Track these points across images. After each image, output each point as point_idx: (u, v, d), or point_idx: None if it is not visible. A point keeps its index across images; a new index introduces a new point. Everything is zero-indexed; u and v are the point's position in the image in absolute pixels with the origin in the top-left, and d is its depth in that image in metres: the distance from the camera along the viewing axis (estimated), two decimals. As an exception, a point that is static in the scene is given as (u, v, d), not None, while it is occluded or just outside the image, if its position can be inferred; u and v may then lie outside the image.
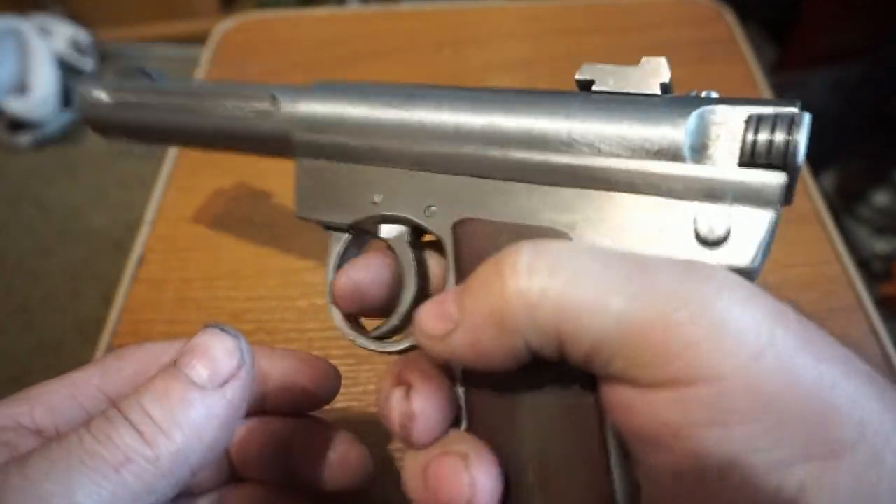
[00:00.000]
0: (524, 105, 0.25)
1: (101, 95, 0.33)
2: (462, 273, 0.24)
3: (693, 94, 0.24)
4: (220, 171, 0.46)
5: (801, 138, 0.21)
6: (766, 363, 0.17)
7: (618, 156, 0.23)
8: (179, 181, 0.46)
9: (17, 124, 1.55)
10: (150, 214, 0.44)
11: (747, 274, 0.20)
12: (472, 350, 0.20)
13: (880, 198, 1.20)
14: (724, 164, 0.22)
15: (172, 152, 0.48)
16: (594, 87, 0.25)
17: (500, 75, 0.52)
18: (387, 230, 0.27)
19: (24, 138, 1.56)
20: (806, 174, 0.44)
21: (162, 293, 0.39)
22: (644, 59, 0.24)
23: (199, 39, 0.61)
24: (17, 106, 1.52)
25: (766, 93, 0.49)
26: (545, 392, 0.21)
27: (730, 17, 0.56)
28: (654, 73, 0.24)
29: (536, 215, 0.24)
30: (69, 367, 0.26)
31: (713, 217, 0.21)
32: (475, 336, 0.19)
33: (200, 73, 0.53)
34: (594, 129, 0.23)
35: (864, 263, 1.19)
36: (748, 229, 0.21)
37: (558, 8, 0.57)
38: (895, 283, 1.12)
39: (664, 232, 0.22)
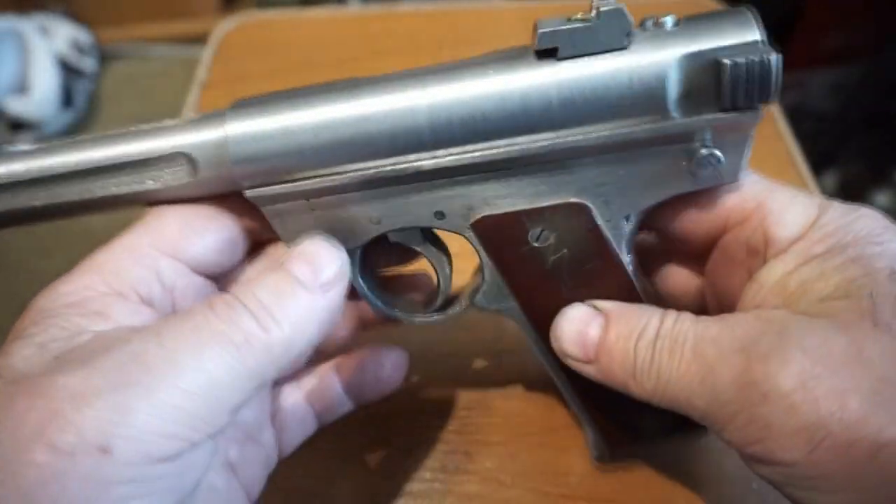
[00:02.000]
0: (500, 96, 0.24)
1: None
2: (502, 264, 0.26)
3: (649, 21, 0.24)
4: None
5: (775, 81, 0.24)
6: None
7: (598, 123, 0.24)
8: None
9: (17, 124, 1.55)
10: (150, 214, 0.44)
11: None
12: (599, 377, 0.25)
13: (881, 198, 1.20)
14: (705, 113, 0.23)
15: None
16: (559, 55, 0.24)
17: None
18: (395, 236, 0.27)
19: (24, 139, 1.56)
20: (807, 174, 0.44)
21: (162, 293, 0.39)
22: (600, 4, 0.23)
23: (199, 39, 0.61)
24: (18, 106, 1.52)
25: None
26: None
27: (730, 18, 0.56)
28: (618, 24, 0.23)
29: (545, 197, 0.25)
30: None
31: (699, 154, 0.23)
32: (606, 377, 0.24)
33: (201, 73, 0.53)
34: (577, 105, 0.24)
35: (864, 264, 1.19)
36: (732, 154, 0.24)
37: (558, 8, 0.57)
38: (895, 283, 1.12)
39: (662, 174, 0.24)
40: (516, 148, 0.24)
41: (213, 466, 0.24)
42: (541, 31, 0.23)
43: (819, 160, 1.22)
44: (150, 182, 0.25)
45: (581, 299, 0.26)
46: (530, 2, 0.58)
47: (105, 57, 1.79)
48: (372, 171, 0.24)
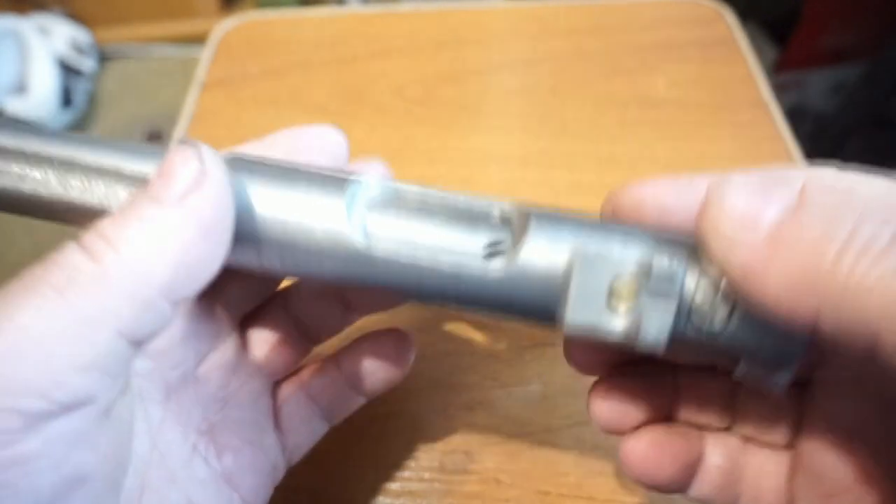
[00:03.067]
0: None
1: None
2: None
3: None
4: (220, 171, 0.46)
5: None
6: None
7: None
8: (179, 181, 0.46)
9: (16, 124, 1.54)
10: (149, 214, 0.44)
11: None
12: (754, 273, 0.16)
13: (880, 198, 1.20)
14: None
15: (172, 152, 0.48)
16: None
17: (500, 75, 0.52)
18: None
19: (23, 138, 1.56)
20: (806, 174, 0.44)
21: (162, 293, 0.39)
22: None
23: (199, 39, 0.61)
24: (17, 106, 1.51)
25: (767, 93, 0.49)
26: None
27: (730, 18, 0.56)
28: None
29: None
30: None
31: None
32: (778, 267, 0.15)
33: (201, 73, 0.53)
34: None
35: (864, 264, 1.19)
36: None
37: (558, 8, 0.57)
38: (895, 283, 1.12)
39: None
40: None
41: (201, 480, 0.22)
42: None
43: (819, 160, 1.22)
44: (123, 195, 0.21)
45: None
46: (530, 2, 0.58)
47: (104, 57, 1.79)
48: None
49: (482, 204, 0.20)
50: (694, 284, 0.18)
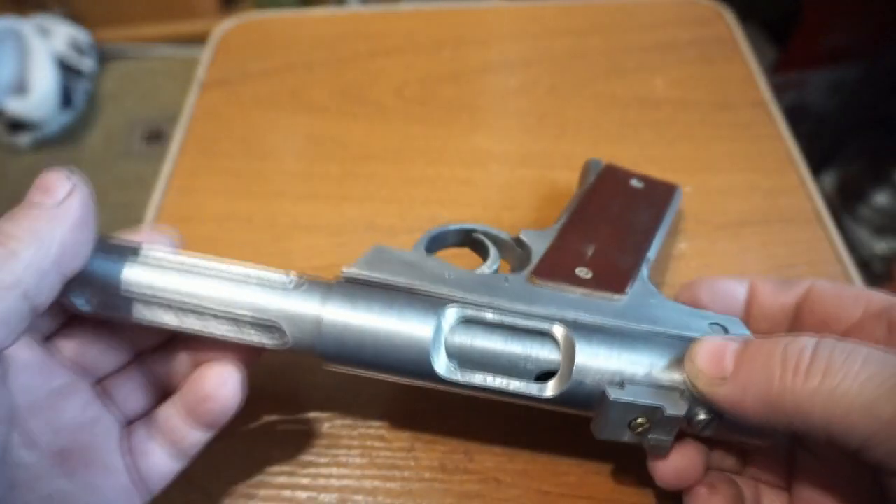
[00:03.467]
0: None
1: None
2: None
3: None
4: (220, 171, 0.46)
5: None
6: None
7: None
8: (179, 181, 0.46)
9: (16, 125, 1.54)
10: (150, 214, 0.44)
11: None
12: (732, 406, 0.23)
13: (880, 198, 1.20)
14: None
15: (172, 152, 0.48)
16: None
17: (500, 75, 0.52)
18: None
19: (23, 139, 1.56)
20: (806, 174, 0.44)
21: (162, 293, 0.39)
22: None
23: (200, 40, 0.61)
24: (17, 106, 1.51)
25: (767, 93, 0.49)
26: None
27: (730, 18, 0.56)
28: None
29: None
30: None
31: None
32: (740, 398, 0.23)
33: (201, 73, 0.53)
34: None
35: (864, 264, 1.19)
36: None
37: (558, 8, 0.58)
38: None
39: None
40: None
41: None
42: None
43: (818, 160, 1.22)
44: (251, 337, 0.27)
45: None
46: (530, 2, 0.58)
47: (104, 57, 1.79)
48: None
49: (539, 326, 0.27)
50: (694, 410, 0.25)
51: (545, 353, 0.26)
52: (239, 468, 0.32)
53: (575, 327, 0.26)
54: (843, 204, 1.23)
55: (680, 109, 0.49)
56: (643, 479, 0.31)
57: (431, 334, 0.26)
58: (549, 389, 0.26)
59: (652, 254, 0.32)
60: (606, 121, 0.48)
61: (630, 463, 0.32)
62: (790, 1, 1.20)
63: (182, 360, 0.29)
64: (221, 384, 0.26)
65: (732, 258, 0.39)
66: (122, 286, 0.26)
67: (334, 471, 0.32)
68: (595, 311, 0.28)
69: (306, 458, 0.32)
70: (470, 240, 0.33)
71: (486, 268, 0.29)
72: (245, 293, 0.26)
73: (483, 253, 0.32)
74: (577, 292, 0.28)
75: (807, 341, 0.22)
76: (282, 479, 0.32)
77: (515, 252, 0.32)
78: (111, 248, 0.26)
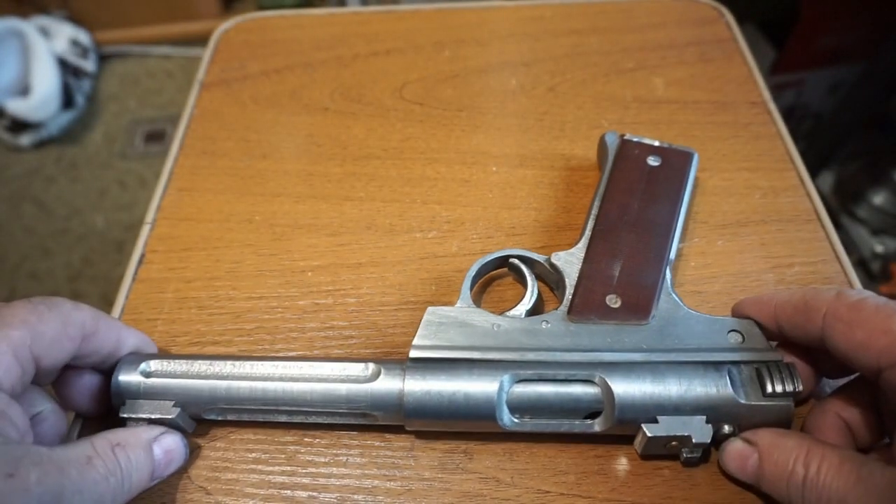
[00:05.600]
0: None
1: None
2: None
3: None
4: (220, 171, 0.46)
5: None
6: None
7: None
8: (179, 181, 0.46)
9: (18, 125, 1.55)
10: (150, 214, 0.44)
11: None
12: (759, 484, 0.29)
13: (879, 198, 1.20)
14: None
15: (172, 152, 0.48)
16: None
17: (499, 75, 0.52)
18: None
19: (25, 139, 1.56)
20: (804, 174, 0.44)
21: (162, 293, 0.39)
22: None
23: (200, 40, 0.61)
24: (19, 107, 1.52)
25: (766, 92, 0.49)
26: None
27: (729, 18, 0.56)
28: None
29: None
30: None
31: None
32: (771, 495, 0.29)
33: (201, 73, 0.53)
34: None
35: (862, 263, 1.19)
36: None
37: (558, 8, 0.58)
38: (894, 283, 1.12)
39: None
40: None
41: None
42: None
43: (817, 160, 1.22)
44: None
45: None
46: (530, 2, 0.58)
47: (105, 57, 1.79)
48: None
49: (582, 376, 0.31)
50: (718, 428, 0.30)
51: (589, 398, 0.31)
52: (239, 468, 0.32)
53: (612, 370, 0.31)
54: (842, 204, 1.23)
55: (679, 109, 0.49)
56: (643, 478, 0.31)
57: (495, 396, 0.30)
58: (598, 425, 0.31)
59: (673, 253, 0.36)
60: (606, 121, 0.48)
61: (629, 463, 0.32)
62: (789, 1, 1.20)
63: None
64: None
65: (731, 258, 0.39)
66: (247, 405, 0.32)
67: (334, 471, 0.32)
68: (628, 344, 0.32)
69: (306, 458, 0.32)
70: (507, 263, 0.37)
71: (525, 305, 0.34)
72: (336, 392, 0.31)
73: (520, 276, 0.36)
74: (609, 324, 0.33)
75: (795, 487, 0.27)
76: (282, 479, 0.32)
77: (549, 274, 0.36)
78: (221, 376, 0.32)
